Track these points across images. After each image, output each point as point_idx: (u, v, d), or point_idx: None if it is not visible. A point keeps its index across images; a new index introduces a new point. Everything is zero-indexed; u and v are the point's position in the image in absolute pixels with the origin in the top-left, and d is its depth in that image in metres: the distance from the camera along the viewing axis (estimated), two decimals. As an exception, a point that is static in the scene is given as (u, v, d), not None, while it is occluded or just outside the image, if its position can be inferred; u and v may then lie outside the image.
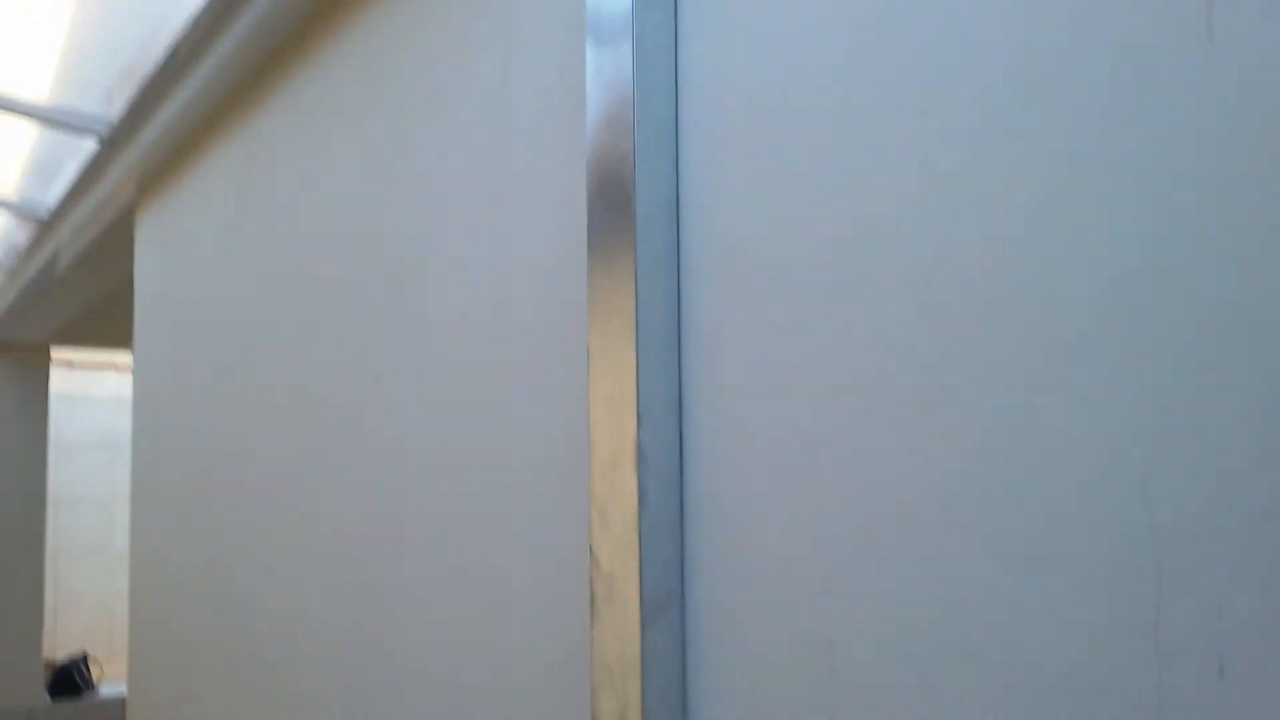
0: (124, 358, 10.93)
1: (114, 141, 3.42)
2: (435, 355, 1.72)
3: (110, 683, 8.17)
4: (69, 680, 8.10)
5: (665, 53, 1.22)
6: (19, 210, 4.46)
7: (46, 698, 7.49)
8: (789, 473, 1.06)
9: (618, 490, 1.19)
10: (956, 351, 0.91)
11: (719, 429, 1.15)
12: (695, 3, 1.20)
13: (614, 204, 1.22)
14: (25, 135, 3.88)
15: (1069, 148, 0.83)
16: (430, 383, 1.74)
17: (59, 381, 8.20)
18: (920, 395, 0.94)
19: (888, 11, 0.98)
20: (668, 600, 1.17)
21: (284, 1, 2.20)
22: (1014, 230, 0.87)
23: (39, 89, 3.29)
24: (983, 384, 0.88)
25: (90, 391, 13.09)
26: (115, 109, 3.24)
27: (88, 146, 3.63)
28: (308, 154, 2.30)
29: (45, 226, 4.57)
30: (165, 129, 3.03)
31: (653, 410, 1.19)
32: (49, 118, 3.32)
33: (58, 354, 7.69)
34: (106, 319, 6.46)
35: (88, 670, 8.27)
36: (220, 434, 2.82)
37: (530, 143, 1.50)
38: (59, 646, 9.18)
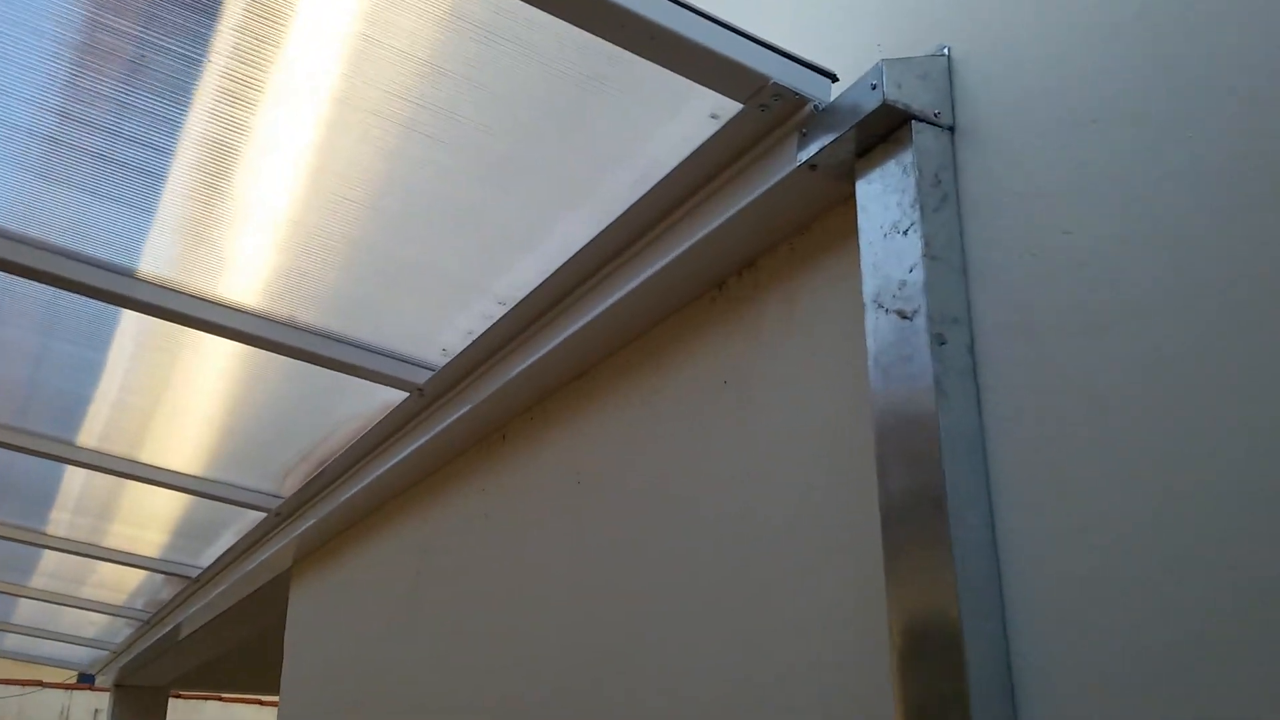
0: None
1: (280, 514, 3.49)
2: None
3: None
4: None
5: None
6: (167, 569, 4.54)
7: None
8: None
9: None
10: None
11: None
12: (999, 395, 1.18)
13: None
14: (178, 499, 3.98)
15: None
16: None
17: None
18: None
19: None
20: None
21: (485, 407, 2.26)
22: None
23: (207, 463, 3.39)
24: None
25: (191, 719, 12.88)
26: (289, 487, 3.33)
27: (251, 517, 3.72)
28: (511, 540, 2.30)
29: (193, 585, 4.63)
30: (336, 507, 3.08)
31: None
32: (223, 496, 3.41)
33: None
34: (224, 668, 6.44)
35: None
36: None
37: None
38: None
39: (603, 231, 1.77)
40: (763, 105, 1.43)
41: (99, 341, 2.63)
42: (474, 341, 2.16)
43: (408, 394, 2.43)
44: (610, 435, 1.95)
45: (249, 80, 1.64)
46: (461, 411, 2.31)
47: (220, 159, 1.81)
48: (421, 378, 2.36)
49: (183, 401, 2.92)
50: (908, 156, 1.30)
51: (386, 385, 2.43)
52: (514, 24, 1.49)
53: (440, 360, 2.32)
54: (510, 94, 1.60)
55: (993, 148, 1.28)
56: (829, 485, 1.42)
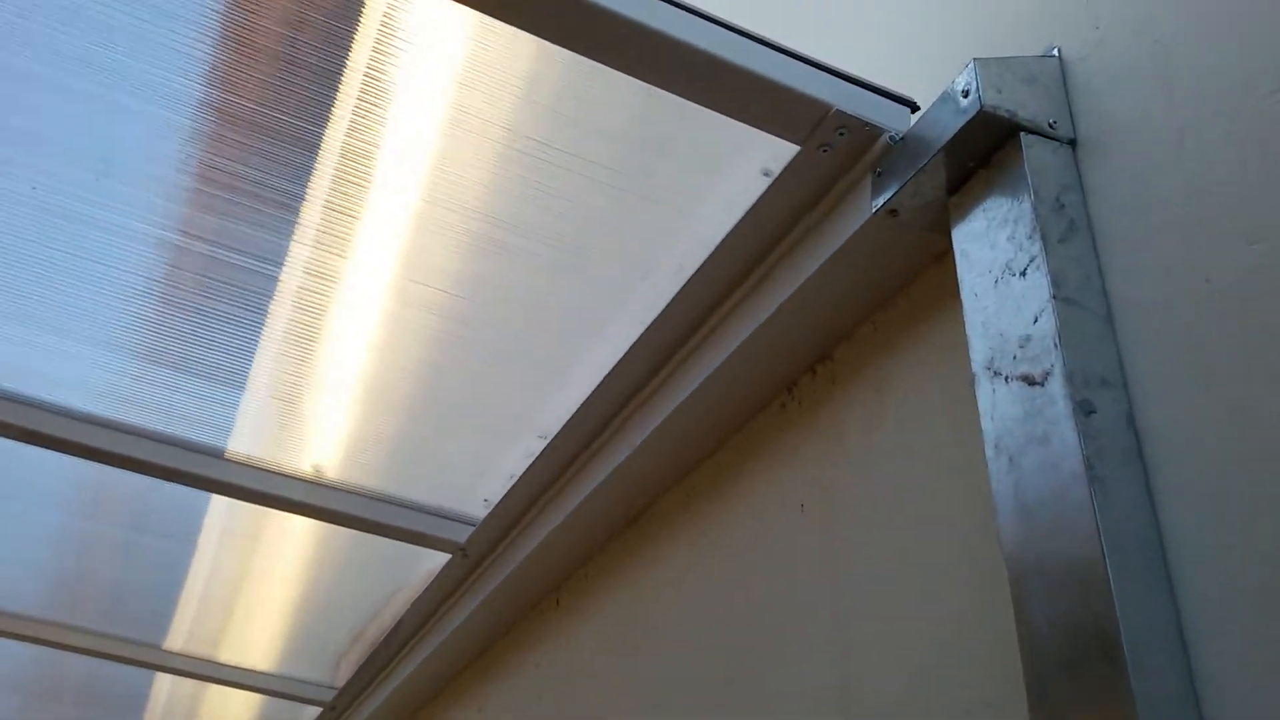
0: None
1: (335, 709, 3.15)
2: None
3: None
4: None
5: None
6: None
7: None
8: None
9: None
10: None
11: None
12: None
13: None
14: (252, 697, 3.67)
15: None
16: None
17: None
18: None
19: None
20: None
21: (533, 564, 1.93)
22: None
23: (261, 657, 3.09)
24: None
25: None
26: (342, 675, 3.00)
27: (310, 713, 3.38)
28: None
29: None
30: (385, 699, 2.73)
31: None
32: (281, 691, 3.09)
33: None
34: None
35: None
36: None
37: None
38: None
39: (639, 339, 1.47)
40: (824, 145, 1.14)
41: (187, 532, 2.39)
42: (514, 485, 1.85)
43: (450, 555, 2.12)
44: (674, 587, 1.60)
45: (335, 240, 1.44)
46: (508, 572, 1.98)
47: (307, 323, 1.60)
48: (463, 535, 2.05)
49: (255, 591, 2.65)
50: (1019, 178, 0.98)
51: (426, 547, 2.12)
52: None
53: (482, 512, 2.01)
54: (545, 200, 1.34)
55: (1131, 157, 0.95)
56: (946, 628, 1.05)
